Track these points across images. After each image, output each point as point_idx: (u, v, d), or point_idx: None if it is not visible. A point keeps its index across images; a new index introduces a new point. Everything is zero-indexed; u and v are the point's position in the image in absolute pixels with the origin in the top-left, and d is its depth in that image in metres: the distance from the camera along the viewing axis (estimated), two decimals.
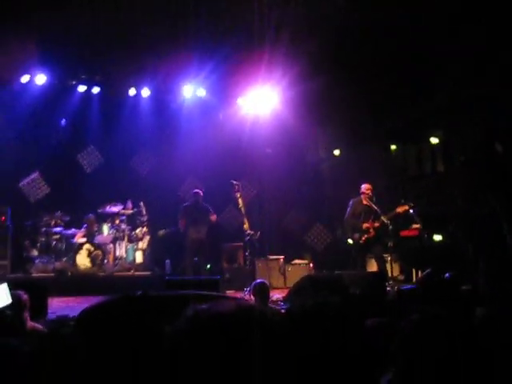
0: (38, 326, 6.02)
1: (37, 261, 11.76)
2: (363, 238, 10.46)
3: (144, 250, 12.38)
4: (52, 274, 11.28)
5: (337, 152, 14.47)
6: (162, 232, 12.47)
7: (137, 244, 12.34)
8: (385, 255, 10.79)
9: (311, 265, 12.42)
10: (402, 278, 11.55)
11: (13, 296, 5.94)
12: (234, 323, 1.51)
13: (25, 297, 5.97)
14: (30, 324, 5.94)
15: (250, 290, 9.14)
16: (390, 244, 10.43)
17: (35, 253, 11.95)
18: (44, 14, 11.40)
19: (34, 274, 11.38)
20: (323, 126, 13.97)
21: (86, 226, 12.14)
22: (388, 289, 9.51)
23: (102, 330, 2.08)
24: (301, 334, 1.78)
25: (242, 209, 10.64)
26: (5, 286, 6.06)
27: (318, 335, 1.81)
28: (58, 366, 1.77)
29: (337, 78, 12.84)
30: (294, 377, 1.52)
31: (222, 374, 1.45)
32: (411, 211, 10.32)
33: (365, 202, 10.59)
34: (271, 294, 8.49)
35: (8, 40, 11.22)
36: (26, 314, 5.96)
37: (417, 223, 10.66)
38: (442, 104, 13.42)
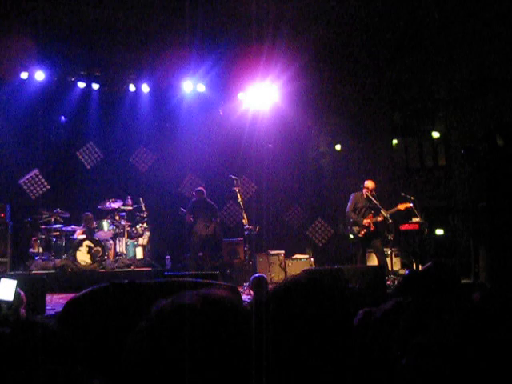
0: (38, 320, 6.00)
1: (37, 258, 11.73)
2: (362, 233, 10.44)
3: (144, 246, 12.35)
4: (52, 271, 11.24)
5: (338, 147, 14.41)
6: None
7: (137, 240, 12.32)
8: (385, 249, 10.75)
9: (312, 259, 12.39)
10: (403, 271, 11.50)
11: None
12: (195, 317, 1.47)
13: (21, 293, 5.97)
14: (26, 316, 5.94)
15: (249, 284, 9.13)
16: (391, 238, 10.38)
17: (35, 250, 11.91)
18: (42, 10, 11.39)
19: (34, 271, 11.34)
20: (324, 120, 13.93)
21: (83, 219, 12.12)
22: (388, 283, 9.48)
23: (86, 315, 2.06)
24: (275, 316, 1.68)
25: (241, 203, 10.62)
26: (14, 283, 6.04)
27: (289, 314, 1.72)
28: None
29: (337, 72, 12.81)
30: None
31: (184, 368, 1.41)
32: (411, 205, 10.28)
33: (365, 197, 10.56)
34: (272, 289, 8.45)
35: (6, 36, 11.21)
36: (23, 310, 5.95)
37: (417, 217, 10.60)
38: (444, 97, 13.38)
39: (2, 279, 6.03)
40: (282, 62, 12.11)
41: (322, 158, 14.60)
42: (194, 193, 12.28)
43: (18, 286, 6.28)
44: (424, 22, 11.94)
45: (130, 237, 12.32)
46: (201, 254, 11.85)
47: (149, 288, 2.76)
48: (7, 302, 6.28)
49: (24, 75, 12.40)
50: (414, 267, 10.78)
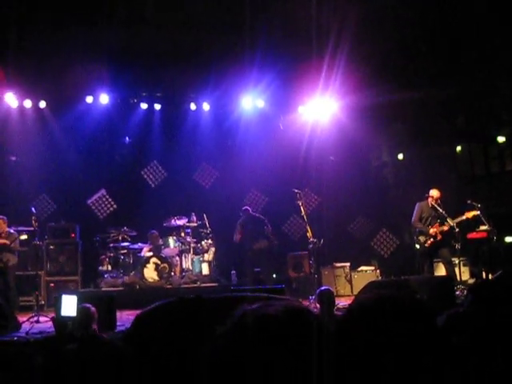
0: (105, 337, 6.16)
1: (106, 275, 12.03)
2: (429, 242, 10.25)
3: (210, 262, 12.49)
4: (121, 288, 11.51)
5: (400, 156, 14.24)
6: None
7: (202, 256, 12.47)
8: (453, 259, 10.52)
9: (378, 271, 12.23)
10: (471, 281, 11.22)
11: (81, 309, 6.12)
12: (280, 325, 1.50)
13: (93, 309, 6.13)
14: (101, 336, 6.09)
15: (314, 298, 9.09)
16: (458, 247, 10.15)
17: (104, 268, 12.22)
18: (104, 36, 11.76)
19: (104, 289, 11.63)
20: (385, 129, 13.79)
21: (149, 238, 12.36)
22: (457, 293, 9.25)
23: (155, 330, 2.11)
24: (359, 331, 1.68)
25: (305, 217, 10.60)
26: (74, 298, 6.24)
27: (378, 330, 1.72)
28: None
29: (397, 80, 12.67)
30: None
31: (265, 374, 1.44)
32: (478, 212, 10.03)
33: (431, 206, 10.38)
34: (337, 302, 8.39)
35: (73, 62, 11.62)
36: (95, 327, 6.11)
37: (485, 225, 10.34)
38: (508, 100, 13.05)
39: (64, 296, 6.21)
40: (342, 74, 12.08)
41: (385, 168, 14.46)
42: (241, 213, 12.41)
43: (82, 301, 6.49)
44: (486, 19, 11.69)
45: (195, 253, 12.48)
46: (258, 269, 11.88)
47: (215, 302, 2.80)
48: (71, 318, 6.47)
49: (89, 99, 12.81)
50: (484, 276, 10.49)
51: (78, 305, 6.10)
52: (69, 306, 6.43)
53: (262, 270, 12.06)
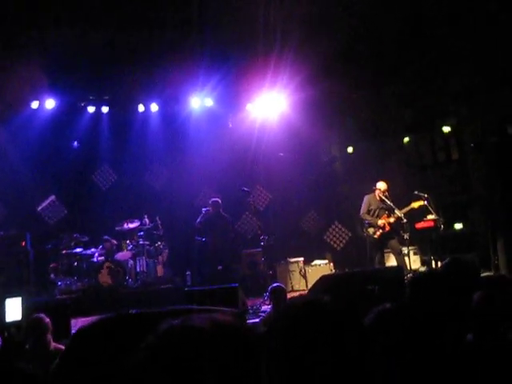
0: (61, 346, 6.10)
1: (60, 283, 11.87)
2: (378, 234, 10.46)
3: (164, 264, 12.46)
4: (76, 295, 11.38)
5: (350, 149, 14.42)
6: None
7: (156, 258, 12.42)
8: (403, 248, 10.75)
9: (331, 264, 12.38)
10: (422, 269, 11.47)
11: (34, 319, 6.03)
12: (205, 340, 1.51)
13: (46, 320, 6.05)
14: (53, 345, 6.02)
15: (268, 295, 9.17)
16: (406, 237, 10.37)
17: (57, 275, 12.06)
18: (47, 38, 11.58)
19: (58, 297, 11.49)
20: (334, 124, 13.94)
21: (102, 245, 12.25)
22: (407, 282, 9.44)
23: (93, 348, 2.12)
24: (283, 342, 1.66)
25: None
26: (19, 300, 6.09)
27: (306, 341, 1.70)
28: None
29: (345, 75, 12.80)
30: None
31: None
32: (425, 202, 10.27)
33: (378, 198, 10.58)
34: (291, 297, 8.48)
35: (14, 67, 11.40)
36: (49, 336, 6.03)
37: (432, 214, 10.59)
38: (454, 91, 13.32)
39: (7, 300, 6.06)
40: (289, 71, 12.15)
41: (335, 162, 14.62)
42: (209, 205, 12.25)
43: (34, 311, 6.38)
44: (432, 16, 11.90)
45: (149, 255, 12.42)
46: (220, 267, 11.89)
47: (157, 317, 2.81)
48: (15, 323, 6.33)
49: (34, 104, 12.56)
50: (433, 264, 10.75)
51: (23, 308, 5.96)
52: (13, 310, 6.28)
53: (223, 268, 12.05)
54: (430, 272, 4.10)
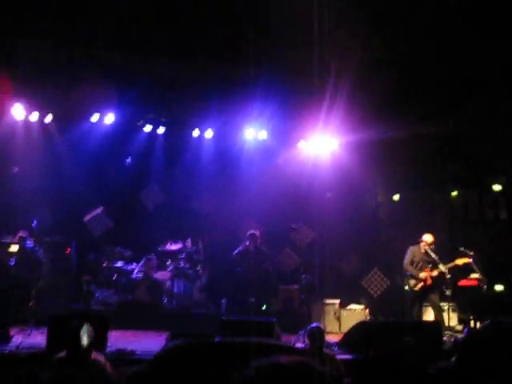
0: (100, 358, 6.17)
1: (97, 294, 12.07)
2: (419, 286, 10.39)
3: (201, 288, 12.56)
4: (111, 308, 11.55)
5: (396, 197, 14.41)
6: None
7: (194, 282, 12.53)
8: (442, 304, 10.65)
9: (367, 310, 12.30)
10: (459, 328, 11.32)
11: (87, 329, 6.11)
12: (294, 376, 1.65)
13: (90, 329, 6.15)
14: (94, 355, 6.10)
15: (304, 333, 9.16)
16: (448, 293, 10.29)
17: (96, 286, 12.27)
18: (116, 58, 11.99)
19: (94, 307, 11.68)
20: (383, 170, 13.96)
21: (143, 262, 12.42)
22: (444, 339, 9.36)
23: (171, 372, 2.24)
24: None
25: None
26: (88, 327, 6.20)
27: None
28: None
29: (397, 122, 12.89)
30: None
31: None
32: (470, 260, 10.19)
33: (423, 251, 10.54)
34: (326, 339, 8.47)
35: (80, 80, 11.80)
36: (91, 346, 6.12)
37: (476, 273, 10.50)
38: (505, 149, 13.28)
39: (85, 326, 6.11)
40: (343, 112, 12.29)
41: (380, 208, 14.61)
42: (247, 237, 12.16)
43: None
44: (485, 71, 11.96)
45: (187, 278, 12.53)
46: (253, 299, 11.89)
47: (229, 347, 2.91)
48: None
49: (94, 118, 12.86)
50: (472, 324, 10.60)
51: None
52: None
53: (256, 301, 12.06)
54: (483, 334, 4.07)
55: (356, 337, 8.76)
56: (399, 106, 12.94)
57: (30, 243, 11.54)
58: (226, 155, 14.00)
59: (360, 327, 9.06)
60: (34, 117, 12.54)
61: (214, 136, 13.74)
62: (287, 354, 1.87)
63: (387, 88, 12.30)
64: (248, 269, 12.03)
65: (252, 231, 12.18)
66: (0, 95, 11.62)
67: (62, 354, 6.06)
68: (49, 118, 12.70)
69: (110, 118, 12.92)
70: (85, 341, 5.76)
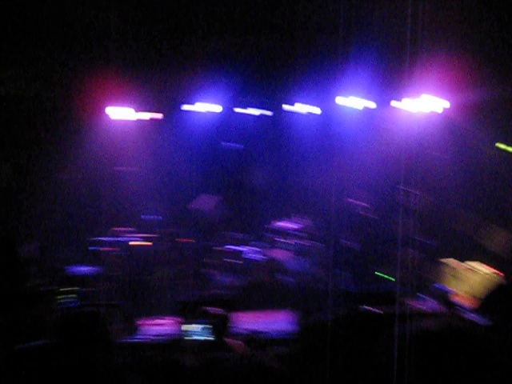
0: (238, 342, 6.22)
1: (216, 278, 12.29)
2: None
3: (319, 264, 12.52)
4: (233, 291, 11.70)
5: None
6: None
7: (312, 258, 12.50)
8: None
9: (491, 269, 11.81)
10: None
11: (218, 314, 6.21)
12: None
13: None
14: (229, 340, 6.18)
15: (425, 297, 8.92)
16: None
17: (214, 271, 12.48)
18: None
19: (215, 291, 11.88)
20: (495, 124, 13.29)
21: (260, 243, 12.59)
22: None
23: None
24: None
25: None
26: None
27: None
28: None
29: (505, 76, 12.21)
30: None
31: None
32: None
33: None
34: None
35: (181, 74, 11.98)
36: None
37: None
38: None
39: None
40: (446, 71, 11.77)
41: (495, 161, 13.94)
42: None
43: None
44: None
45: (306, 254, 12.60)
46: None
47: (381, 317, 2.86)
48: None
49: (200, 106, 13.22)
50: None
51: None
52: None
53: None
54: None
55: (496, 302, 8.37)
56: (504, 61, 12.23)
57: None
58: (327, 127, 13.84)
59: (499, 291, 8.67)
60: (146, 116, 12.93)
61: (316, 111, 13.64)
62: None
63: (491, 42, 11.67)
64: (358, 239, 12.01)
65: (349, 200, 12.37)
66: (102, 98, 12.03)
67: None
68: (159, 115, 13.06)
69: (213, 107, 13.10)
70: None
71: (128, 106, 12.71)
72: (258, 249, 12.55)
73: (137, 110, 12.85)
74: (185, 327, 6.90)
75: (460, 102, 12.51)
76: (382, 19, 11.57)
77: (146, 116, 12.97)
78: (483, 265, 11.93)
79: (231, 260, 12.53)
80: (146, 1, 10.72)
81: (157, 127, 13.36)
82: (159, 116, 13.10)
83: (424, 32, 10.95)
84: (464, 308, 8.63)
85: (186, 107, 13.19)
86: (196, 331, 6.42)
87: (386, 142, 13.34)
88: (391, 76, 12.44)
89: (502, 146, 13.64)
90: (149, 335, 8.61)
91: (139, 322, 9.18)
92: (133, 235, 11.81)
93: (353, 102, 13.37)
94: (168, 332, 8.49)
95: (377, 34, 11.88)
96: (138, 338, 8.62)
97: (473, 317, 8.06)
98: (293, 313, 8.18)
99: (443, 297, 6.71)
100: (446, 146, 13.12)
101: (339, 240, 12.65)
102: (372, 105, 13.57)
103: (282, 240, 12.80)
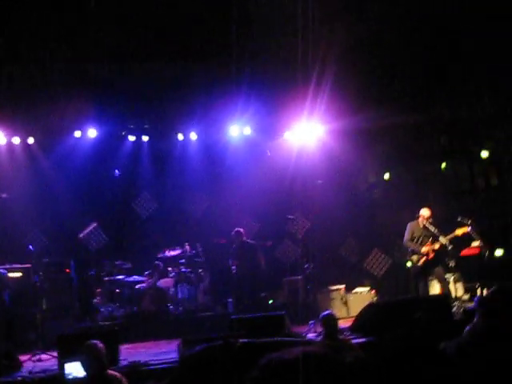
0: (116, 373, 6.13)
1: (102, 309, 11.98)
2: (422, 261, 10.41)
3: (205, 291, 12.53)
4: (118, 322, 11.48)
5: (386, 175, 14.40)
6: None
7: (198, 285, 12.49)
8: (447, 276, 10.68)
9: (373, 292, 12.33)
10: (466, 297, 11.37)
11: (90, 346, 6.08)
12: (299, 370, 1.63)
13: (100, 345, 6.09)
14: (109, 372, 6.05)
15: (314, 323, 9.17)
16: (452, 264, 10.32)
17: (100, 302, 12.18)
18: (90, 70, 11.89)
19: (101, 323, 11.59)
20: (371, 152, 13.95)
21: (149, 272, 12.40)
22: (454, 310, 9.39)
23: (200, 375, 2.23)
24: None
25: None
26: (78, 364, 6.20)
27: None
28: None
29: (382, 102, 12.85)
30: None
31: None
32: (469, 229, 10.20)
33: (422, 225, 10.54)
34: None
35: (59, 98, 11.70)
36: (105, 362, 6.06)
37: (476, 240, 10.52)
38: (490, 115, 13.27)
39: (66, 365, 6.16)
40: (327, 99, 12.23)
41: (373, 189, 14.61)
42: (232, 236, 12.54)
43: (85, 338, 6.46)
44: (467, 42, 11.92)
45: (190, 283, 12.49)
46: (264, 294, 12.01)
47: (263, 347, 2.90)
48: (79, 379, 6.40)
49: (77, 134, 12.81)
50: (479, 292, 10.63)
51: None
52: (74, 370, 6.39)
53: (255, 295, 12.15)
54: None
55: (367, 319, 8.76)
56: (381, 91, 12.88)
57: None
58: (213, 155, 13.99)
59: (370, 309, 9.06)
60: (16, 140, 12.48)
61: (198, 137, 13.70)
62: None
63: (370, 73, 12.27)
64: (241, 264, 12.27)
65: (236, 229, 12.49)
66: None
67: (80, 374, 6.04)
68: (31, 140, 12.63)
69: (92, 133, 12.85)
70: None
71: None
72: (145, 278, 12.36)
73: (6, 135, 12.38)
74: (66, 363, 6.72)
75: (343, 129, 12.95)
76: (273, 49, 11.93)
77: (16, 141, 12.50)
78: (363, 287, 12.45)
79: (118, 290, 12.26)
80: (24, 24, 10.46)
81: (30, 152, 12.92)
82: (31, 141, 12.63)
83: (312, 62, 11.42)
84: (343, 330, 8.94)
85: (63, 132, 12.76)
86: (76, 366, 6.25)
87: (272, 170, 13.64)
88: (278, 104, 12.80)
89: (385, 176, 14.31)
90: (30, 372, 8.22)
91: (20, 359, 8.76)
92: (9, 266, 11.21)
93: (240, 130, 13.55)
94: (48, 368, 8.21)
95: (267, 64, 12.21)
96: (19, 375, 8.23)
97: (348, 336, 8.38)
98: (178, 342, 8.15)
99: (328, 322, 6.86)
100: (328, 174, 13.56)
101: (228, 267, 12.73)
102: (259, 133, 13.77)
103: (170, 268, 12.70)
